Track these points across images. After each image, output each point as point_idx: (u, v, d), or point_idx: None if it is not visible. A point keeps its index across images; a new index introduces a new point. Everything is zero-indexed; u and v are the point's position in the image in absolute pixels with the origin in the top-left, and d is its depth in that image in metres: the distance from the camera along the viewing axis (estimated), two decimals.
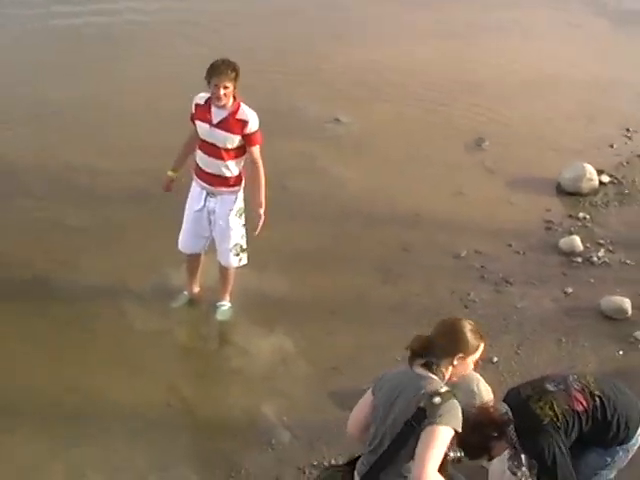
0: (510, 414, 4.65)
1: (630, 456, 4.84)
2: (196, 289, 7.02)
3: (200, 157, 6.42)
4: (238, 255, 6.68)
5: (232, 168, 6.37)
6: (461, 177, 9.06)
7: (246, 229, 6.63)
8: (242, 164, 6.45)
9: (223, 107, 6.17)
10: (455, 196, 8.70)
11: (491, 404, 4.95)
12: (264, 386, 6.19)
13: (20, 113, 9.78)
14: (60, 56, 11.23)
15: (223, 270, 6.79)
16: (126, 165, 8.68)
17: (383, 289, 7.31)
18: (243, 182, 6.53)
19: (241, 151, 6.35)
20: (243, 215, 6.60)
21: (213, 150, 6.30)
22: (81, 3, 12.80)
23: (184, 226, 6.68)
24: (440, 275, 7.50)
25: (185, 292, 7.00)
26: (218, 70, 6.06)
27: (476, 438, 4.56)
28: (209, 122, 6.24)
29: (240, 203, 6.55)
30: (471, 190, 8.83)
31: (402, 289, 7.29)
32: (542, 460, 4.53)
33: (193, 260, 6.88)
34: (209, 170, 6.39)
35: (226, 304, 6.91)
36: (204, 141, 6.34)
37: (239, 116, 6.20)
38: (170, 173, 6.66)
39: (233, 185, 6.46)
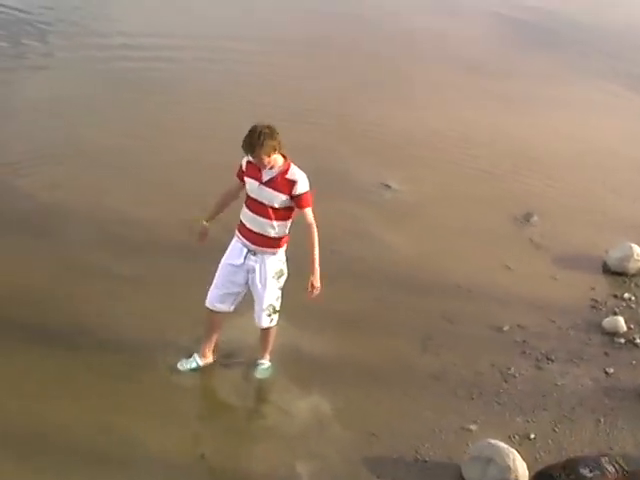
0: None
1: None
2: (209, 355, 6.89)
3: (245, 214, 6.44)
4: (270, 316, 6.65)
5: (277, 228, 6.37)
6: (508, 250, 9.10)
7: (282, 291, 6.61)
8: (288, 228, 6.46)
9: (272, 167, 6.26)
10: (501, 269, 8.73)
11: None
12: (299, 446, 6.19)
13: (72, 152, 10.07)
14: (118, 99, 11.60)
15: (262, 329, 6.81)
16: (171, 214, 8.82)
17: (423, 357, 7.32)
18: (286, 245, 6.53)
19: (288, 214, 6.37)
20: (282, 277, 6.58)
21: (260, 208, 6.32)
22: (148, 49, 13.28)
23: (216, 281, 6.64)
24: (481, 347, 7.49)
25: (196, 356, 6.85)
26: (247, 148, 6.14)
27: None
28: (259, 180, 6.27)
29: (280, 265, 6.53)
30: (517, 264, 8.85)
31: (442, 358, 7.29)
32: None
33: (216, 319, 6.79)
34: (253, 228, 6.40)
35: (266, 363, 6.93)
36: (252, 198, 6.36)
37: (288, 176, 6.24)
38: (204, 223, 6.68)
39: (275, 246, 6.46)
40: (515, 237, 9.44)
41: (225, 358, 6.97)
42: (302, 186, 6.27)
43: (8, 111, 11.19)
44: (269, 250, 6.46)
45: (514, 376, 7.18)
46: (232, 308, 6.75)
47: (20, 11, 15.02)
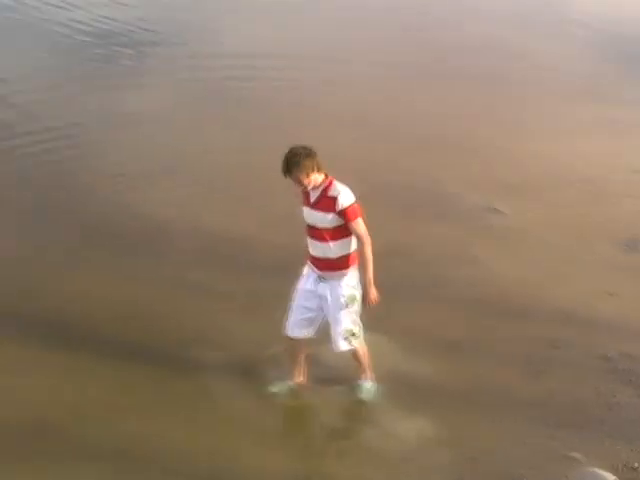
0: None
1: None
2: (300, 378, 6.97)
3: (308, 241, 6.49)
4: (347, 339, 6.61)
5: (335, 250, 6.33)
6: (614, 276, 8.98)
7: (361, 316, 6.61)
8: (351, 246, 6.38)
9: (315, 188, 6.30)
10: (607, 295, 8.62)
11: None
12: (402, 469, 6.30)
13: (179, 168, 10.59)
14: (225, 117, 12.08)
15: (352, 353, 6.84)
16: (273, 235, 9.02)
17: (525, 383, 7.32)
18: (354, 265, 6.46)
19: (343, 232, 6.31)
20: (355, 303, 6.51)
21: (315, 232, 6.37)
22: (252, 69, 13.79)
23: (292, 306, 6.67)
24: (585, 374, 7.45)
25: (288, 382, 6.98)
26: (285, 169, 6.24)
27: None
28: (309, 204, 6.37)
29: (350, 291, 6.47)
30: (624, 290, 8.72)
31: (544, 385, 7.28)
32: None
33: (296, 346, 6.83)
34: (315, 253, 6.45)
35: (368, 383, 6.97)
36: (308, 224, 6.43)
37: (330, 193, 6.25)
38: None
39: (340, 268, 6.40)
40: (622, 263, 9.30)
41: (327, 379, 7.09)
42: (344, 200, 6.23)
43: (115, 126, 11.78)
44: (336, 273, 6.43)
45: (619, 404, 7.12)
46: (312, 332, 6.75)
47: (131, 26, 15.95)
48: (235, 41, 15.24)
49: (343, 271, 6.44)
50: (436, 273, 8.61)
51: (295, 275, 6.75)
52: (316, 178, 6.26)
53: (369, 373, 6.98)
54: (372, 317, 6.86)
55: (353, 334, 6.63)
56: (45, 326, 7.63)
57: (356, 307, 6.56)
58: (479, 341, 7.81)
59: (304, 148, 6.24)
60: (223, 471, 6.17)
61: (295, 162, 6.18)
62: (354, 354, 6.83)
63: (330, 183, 6.30)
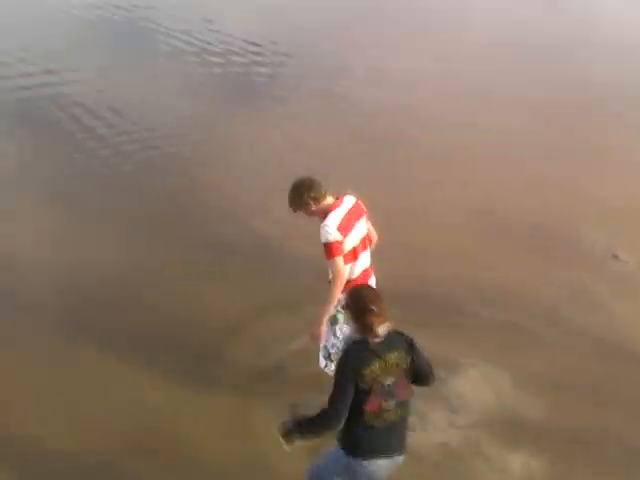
0: None
1: None
2: None
3: None
4: (325, 360, 6.85)
5: (329, 272, 6.46)
6: None
7: (340, 341, 6.65)
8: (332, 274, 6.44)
9: (319, 215, 6.48)
10: None
11: None
12: None
13: None
14: (357, 150, 12.14)
15: None
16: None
17: (635, 433, 7.27)
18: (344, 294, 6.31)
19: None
20: (336, 325, 6.68)
21: None
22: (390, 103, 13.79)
23: None
24: None
25: None
26: (289, 204, 6.54)
27: None
28: None
29: (333, 311, 6.56)
30: None
31: None
32: None
33: None
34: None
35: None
36: None
37: (322, 224, 6.41)
38: None
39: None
40: None
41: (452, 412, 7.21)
42: (322, 237, 6.34)
43: (248, 147, 12.05)
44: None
45: None
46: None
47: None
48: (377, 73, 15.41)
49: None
50: (559, 316, 8.63)
51: None
52: (321, 208, 6.47)
53: None
54: (494, 353, 7.12)
55: (330, 357, 6.83)
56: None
57: (337, 332, 6.71)
58: (593, 385, 7.77)
59: (308, 180, 6.51)
60: None
61: (296, 196, 6.51)
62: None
63: (326, 214, 6.45)
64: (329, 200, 6.50)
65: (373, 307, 5.05)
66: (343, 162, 11.40)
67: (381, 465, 5.24)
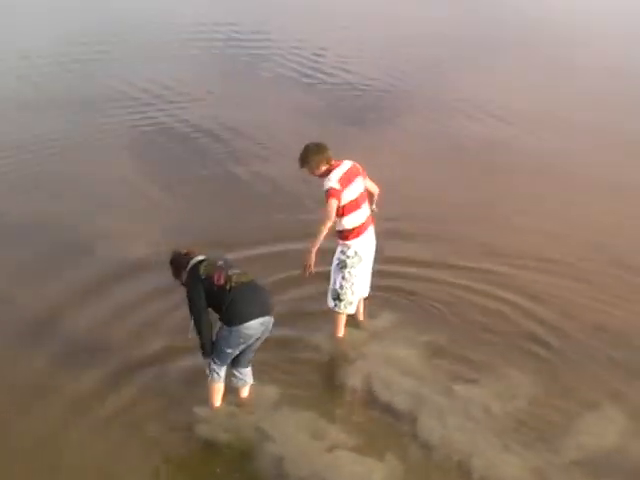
0: None
1: None
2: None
3: None
4: (334, 300, 7.94)
5: (337, 224, 7.65)
6: None
7: (350, 284, 7.79)
8: (343, 224, 7.65)
9: (323, 176, 7.64)
10: None
11: None
12: None
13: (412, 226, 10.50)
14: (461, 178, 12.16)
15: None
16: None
17: None
18: (352, 239, 7.70)
19: (338, 211, 7.56)
20: (345, 269, 7.77)
21: None
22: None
23: None
24: None
25: None
26: (299, 162, 7.71)
27: None
28: None
29: (342, 256, 7.78)
30: None
31: None
32: None
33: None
34: None
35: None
36: None
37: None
38: None
39: (340, 239, 7.78)
40: None
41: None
42: (324, 187, 7.55)
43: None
44: (339, 242, 7.82)
45: None
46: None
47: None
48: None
49: (341, 241, 7.80)
50: None
51: None
52: (325, 168, 7.62)
53: (336, 330, 8.10)
54: (608, 393, 7.19)
55: (339, 298, 7.91)
56: None
57: (347, 273, 7.79)
58: None
59: (316, 145, 7.69)
60: None
61: (305, 157, 7.67)
62: (335, 315, 8.02)
63: (330, 172, 7.62)
64: (332, 162, 7.63)
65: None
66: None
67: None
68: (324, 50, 19.70)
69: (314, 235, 7.48)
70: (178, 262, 6.91)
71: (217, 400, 7.12)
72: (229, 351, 6.83)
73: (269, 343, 7.08)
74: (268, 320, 6.83)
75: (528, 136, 14.01)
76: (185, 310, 6.93)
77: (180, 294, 7.08)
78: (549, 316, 8.63)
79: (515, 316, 8.61)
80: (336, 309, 7.97)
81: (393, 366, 7.69)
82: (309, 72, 17.82)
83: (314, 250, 7.50)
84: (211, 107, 15.22)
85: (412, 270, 9.34)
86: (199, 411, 7.09)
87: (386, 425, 7.09)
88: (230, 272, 6.73)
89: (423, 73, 18.00)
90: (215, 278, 6.67)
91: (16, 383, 7.54)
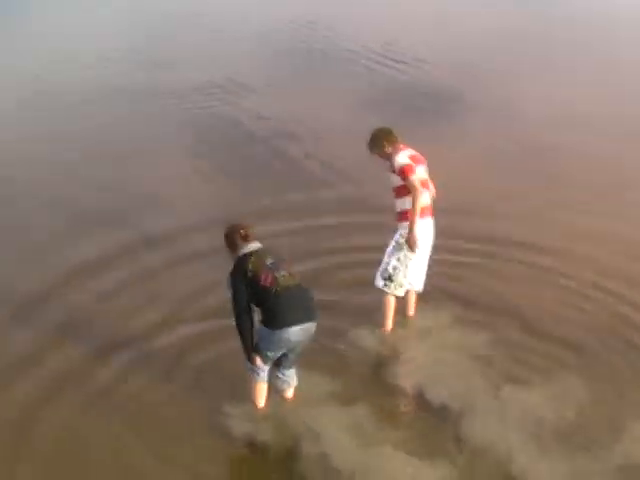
0: None
1: None
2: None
3: None
4: (384, 280, 7.89)
5: (397, 205, 7.81)
6: None
7: (404, 266, 7.79)
8: (405, 205, 7.65)
9: (389, 158, 7.79)
10: None
11: None
12: None
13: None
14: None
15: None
16: None
17: None
18: (405, 221, 7.68)
19: (402, 192, 7.67)
20: (401, 251, 7.75)
21: (392, 191, 7.87)
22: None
23: None
24: None
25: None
26: (368, 148, 7.94)
27: None
28: (388, 169, 7.85)
29: (400, 239, 7.76)
30: None
31: None
32: None
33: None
34: (395, 208, 7.89)
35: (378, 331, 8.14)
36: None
37: (393, 159, 7.74)
38: None
39: (399, 220, 7.80)
40: None
41: None
42: (397, 166, 7.66)
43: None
44: (398, 224, 7.82)
45: None
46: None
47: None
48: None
49: (401, 223, 7.79)
50: None
51: None
52: (392, 150, 7.77)
53: (385, 322, 8.06)
54: None
55: (390, 278, 7.86)
56: None
57: (402, 256, 7.77)
58: None
59: (381, 130, 7.88)
60: None
61: (373, 142, 7.86)
62: (384, 298, 7.96)
63: (397, 153, 7.74)
64: (400, 145, 7.82)
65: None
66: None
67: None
68: (391, 45, 20.41)
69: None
70: (232, 242, 6.86)
71: (261, 400, 7.07)
72: (270, 354, 6.81)
73: (315, 336, 6.98)
74: (310, 326, 6.78)
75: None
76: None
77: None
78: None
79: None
80: (385, 289, 7.90)
81: (443, 365, 7.59)
82: (375, 66, 18.74)
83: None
84: (280, 99, 16.10)
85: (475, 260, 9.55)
86: (242, 410, 7.06)
87: (434, 425, 6.99)
88: (277, 274, 6.66)
89: (491, 73, 17.96)
90: (262, 278, 6.62)
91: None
